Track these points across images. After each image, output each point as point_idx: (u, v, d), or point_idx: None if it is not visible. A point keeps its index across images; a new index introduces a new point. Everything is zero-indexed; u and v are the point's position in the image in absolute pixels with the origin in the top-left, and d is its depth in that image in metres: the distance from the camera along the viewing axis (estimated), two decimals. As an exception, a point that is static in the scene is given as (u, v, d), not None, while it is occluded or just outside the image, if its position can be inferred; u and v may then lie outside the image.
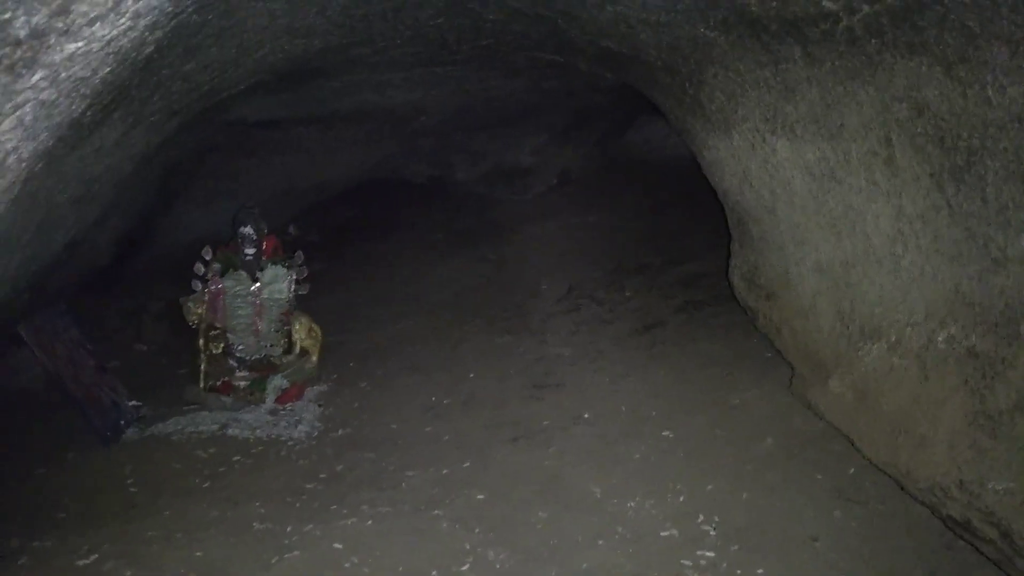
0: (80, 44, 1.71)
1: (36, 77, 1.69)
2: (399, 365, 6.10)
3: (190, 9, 2.29)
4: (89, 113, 2.36)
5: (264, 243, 5.67)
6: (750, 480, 3.91)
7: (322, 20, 3.45)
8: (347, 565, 3.39)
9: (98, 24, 1.72)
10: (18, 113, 1.76)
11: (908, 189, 2.74)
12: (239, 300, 5.57)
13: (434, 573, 3.37)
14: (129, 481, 4.29)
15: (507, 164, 9.21)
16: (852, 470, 3.76)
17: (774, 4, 2.72)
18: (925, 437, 2.84)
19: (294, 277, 5.71)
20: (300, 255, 5.82)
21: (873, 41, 2.58)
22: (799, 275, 3.71)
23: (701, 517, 3.67)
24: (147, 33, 2.07)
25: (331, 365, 6.06)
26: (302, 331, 5.77)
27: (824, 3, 2.53)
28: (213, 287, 5.52)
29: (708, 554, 3.41)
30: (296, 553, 3.45)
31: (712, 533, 3.55)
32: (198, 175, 6.44)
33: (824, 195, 3.27)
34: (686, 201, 8.03)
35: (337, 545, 3.53)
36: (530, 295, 7.34)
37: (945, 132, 2.47)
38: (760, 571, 3.27)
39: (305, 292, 5.82)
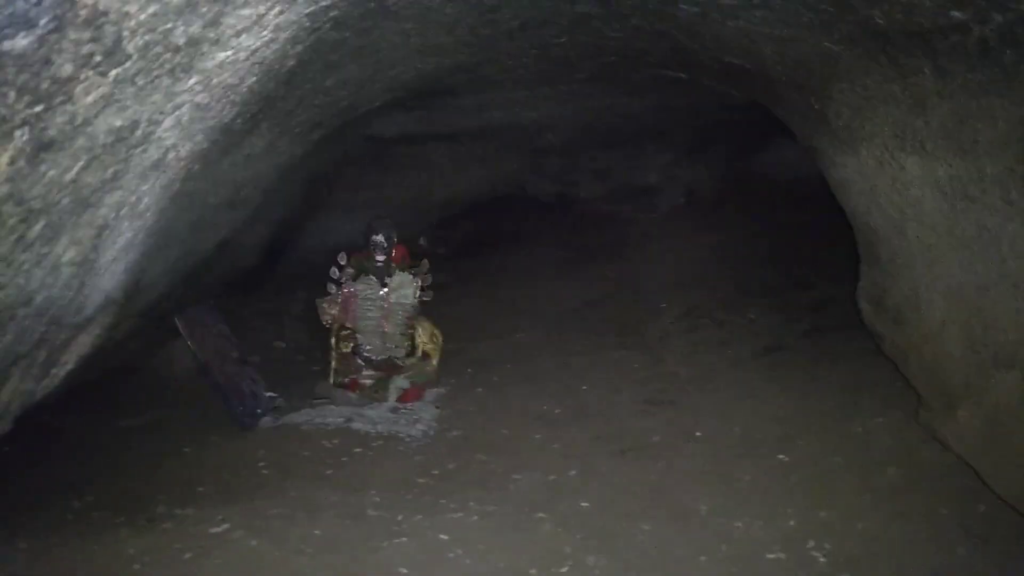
0: (229, 53, 1.94)
1: (192, 81, 1.94)
2: (514, 374, 6.25)
3: (327, 26, 2.53)
4: (239, 120, 2.65)
5: (394, 251, 5.99)
6: (868, 510, 3.73)
7: (451, 39, 3.66)
8: (450, 555, 3.53)
9: (244, 35, 1.96)
10: (177, 113, 2.02)
11: (1046, 208, 2.57)
12: (369, 303, 5.91)
13: (533, 572, 3.44)
14: (262, 463, 4.66)
15: (632, 182, 9.23)
16: (981, 507, 3.51)
17: (899, 16, 2.64)
18: (1061, 473, 2.63)
19: (419, 284, 5.98)
20: (426, 263, 6.11)
21: (1008, 52, 2.45)
22: (929, 299, 3.52)
23: (812, 543, 3.55)
24: (288, 46, 2.32)
25: (450, 370, 6.29)
26: (425, 335, 6.03)
27: (952, 12, 2.44)
28: (346, 290, 5.88)
29: (815, 580, 3.29)
30: (404, 539, 3.63)
31: (822, 560, 3.42)
32: (338, 186, 6.90)
33: (956, 214, 3.10)
34: (816, 224, 7.71)
35: (443, 536, 3.69)
36: (649, 313, 7.32)
37: (1087, 146, 2.31)
38: (869, 603, 3.12)
39: (429, 299, 6.08)
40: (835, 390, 4.99)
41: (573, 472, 4.51)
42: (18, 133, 1.49)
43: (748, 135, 9.02)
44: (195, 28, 1.79)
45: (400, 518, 3.87)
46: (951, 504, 3.61)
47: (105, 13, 1.43)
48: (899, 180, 3.36)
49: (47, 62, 1.40)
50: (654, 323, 7.02)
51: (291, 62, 2.54)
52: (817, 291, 6.88)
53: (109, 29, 1.49)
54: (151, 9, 1.56)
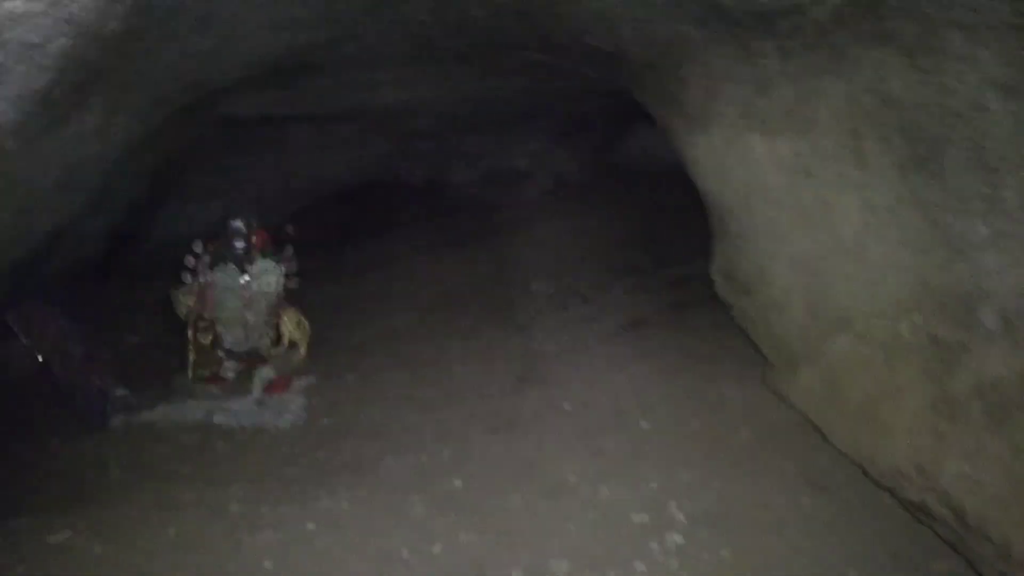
0: (17, 3, 1.71)
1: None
2: (386, 359, 6.14)
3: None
4: (59, 91, 2.39)
5: (254, 237, 5.71)
6: (723, 469, 3.93)
7: (305, 12, 3.50)
8: (319, 544, 3.42)
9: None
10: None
11: (875, 181, 2.77)
12: (228, 293, 5.61)
13: (405, 552, 3.40)
14: (112, 465, 4.32)
15: (503, 167, 9.26)
16: (824, 459, 3.78)
17: (744, -2, 2.76)
18: (887, 424, 2.86)
19: (283, 271, 5.74)
20: (290, 249, 5.86)
21: (840, 33, 2.62)
22: (773, 270, 3.73)
23: (673, 504, 3.70)
24: (105, 5, 2.09)
25: (320, 358, 6.09)
26: (290, 324, 5.81)
27: (790, -5, 2.58)
28: (203, 280, 5.55)
29: (676, 538, 3.44)
30: (269, 532, 3.48)
31: (682, 518, 3.57)
32: (192, 170, 6.49)
33: (797, 189, 3.30)
34: (681, 206, 8.05)
35: (311, 525, 3.56)
36: (520, 294, 7.39)
37: (909, 123, 2.51)
38: (726, 553, 3.29)
39: (294, 286, 5.85)
40: (694, 359, 5.24)
41: (446, 452, 4.48)
42: None
43: (615, 121, 9.27)
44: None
45: (264, 510, 3.71)
46: (796, 459, 3.87)
47: None
48: (746, 158, 3.54)
49: None
50: (525, 304, 7.10)
51: (115, 25, 2.31)
52: (679, 268, 7.17)
53: None
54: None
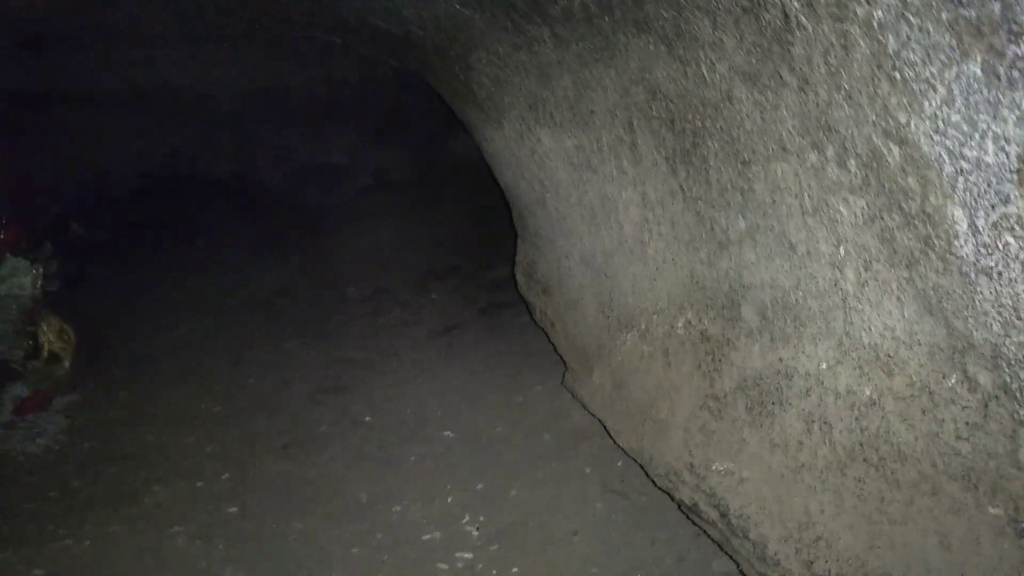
0: None
1: None
2: (172, 373, 5.60)
3: None
4: None
5: (3, 233, 5.01)
6: (522, 477, 3.86)
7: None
8: (44, 593, 2.97)
9: None
10: None
11: (649, 175, 2.77)
12: (-31, 297, 4.88)
13: (155, 595, 3.02)
14: None
15: (318, 162, 8.86)
16: (620, 462, 3.80)
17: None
18: (664, 422, 2.87)
19: (40, 272, 5.08)
20: (48, 247, 5.22)
21: (606, 19, 2.58)
22: (568, 268, 3.71)
23: (467, 517, 3.58)
24: None
25: (90, 373, 5.45)
26: (51, 333, 5.16)
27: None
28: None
29: (466, 555, 3.31)
30: (-19, 582, 2.98)
31: (475, 533, 3.46)
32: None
33: (584, 185, 3.27)
34: (505, 207, 8.08)
35: (37, 572, 3.09)
36: (333, 300, 7.07)
37: (675, 114, 2.51)
38: (515, 570, 3.20)
39: (54, 289, 5.22)
40: (502, 363, 5.18)
41: (225, 475, 4.11)
42: None
43: (440, 116, 9.11)
44: None
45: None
46: (593, 463, 3.87)
47: None
48: (536, 152, 3.48)
49: None
50: (337, 309, 6.79)
51: None
52: (497, 271, 7.14)
53: None
54: None
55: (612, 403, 3.38)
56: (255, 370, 5.60)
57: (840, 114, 1.72)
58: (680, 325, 2.84)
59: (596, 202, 3.28)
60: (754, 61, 1.92)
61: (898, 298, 1.83)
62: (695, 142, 2.48)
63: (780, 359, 2.33)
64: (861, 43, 1.53)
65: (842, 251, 1.91)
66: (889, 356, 1.91)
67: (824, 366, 2.09)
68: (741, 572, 2.55)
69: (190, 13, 4.08)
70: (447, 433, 4.39)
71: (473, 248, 8.01)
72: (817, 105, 1.80)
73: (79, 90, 5.86)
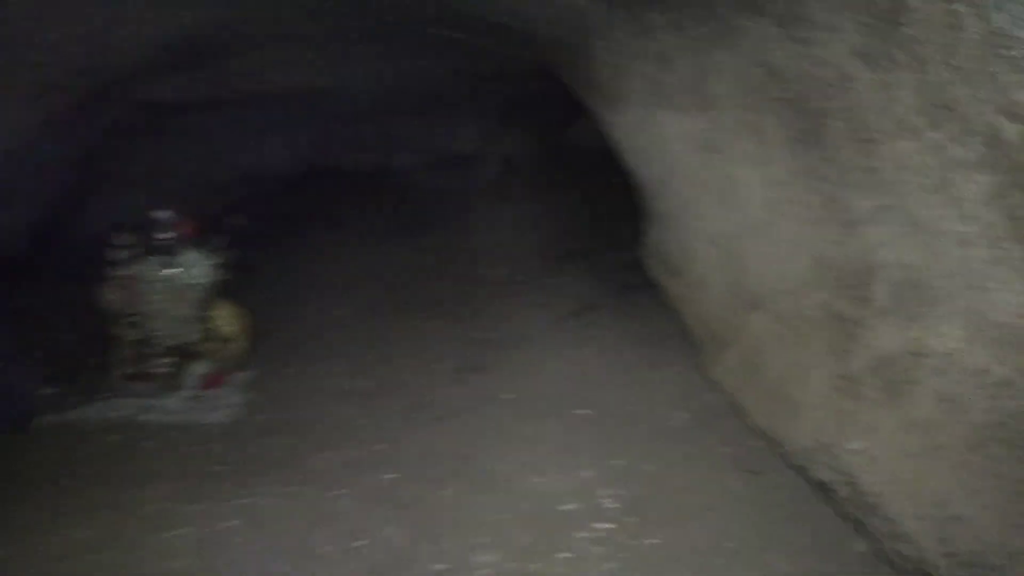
0: None
1: None
2: (327, 352, 6.15)
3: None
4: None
5: (181, 228, 5.68)
6: (656, 454, 4.03)
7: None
8: (238, 540, 3.45)
9: None
10: None
11: (774, 155, 2.85)
12: (156, 285, 5.58)
13: (329, 549, 3.44)
14: (29, 467, 4.31)
15: (449, 152, 9.28)
16: (753, 441, 3.88)
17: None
18: (797, 402, 2.96)
19: (214, 262, 5.72)
20: (222, 239, 5.84)
21: (723, 4, 2.67)
22: (696, 249, 3.82)
23: (603, 491, 3.79)
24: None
25: (258, 352, 6.07)
26: (225, 317, 5.79)
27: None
28: (128, 273, 5.52)
29: (605, 526, 3.52)
30: (186, 530, 3.51)
31: (612, 506, 3.66)
32: (118, 160, 6.43)
33: (709, 167, 3.38)
34: (631, 189, 8.18)
35: (233, 522, 3.60)
36: (467, 283, 7.45)
37: (796, 95, 2.58)
38: (654, 541, 3.39)
39: (228, 277, 5.83)
40: (637, 343, 5.35)
41: (381, 446, 4.52)
42: None
43: (565, 102, 9.29)
44: None
45: (185, 509, 3.73)
46: (727, 442, 3.99)
47: None
48: (660, 136, 3.61)
49: None
50: (472, 291, 7.16)
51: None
52: (627, 252, 7.26)
53: None
54: None
55: (744, 383, 3.49)
56: (400, 349, 6.06)
57: (957, 93, 1.77)
58: (810, 305, 2.91)
59: (722, 183, 3.37)
60: (869, 41, 1.99)
61: (1030, 277, 1.86)
62: (818, 121, 2.55)
63: (912, 338, 2.38)
64: (971, 22, 1.59)
65: (969, 229, 1.96)
66: (1023, 335, 1.94)
67: (957, 345, 2.14)
68: (876, 550, 2.62)
69: (322, 18, 4.46)
70: (583, 411, 4.61)
71: (602, 230, 8.18)
72: (934, 84, 1.85)
73: (228, 95, 6.47)
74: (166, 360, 5.58)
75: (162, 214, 5.56)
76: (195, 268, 5.63)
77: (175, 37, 3.91)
